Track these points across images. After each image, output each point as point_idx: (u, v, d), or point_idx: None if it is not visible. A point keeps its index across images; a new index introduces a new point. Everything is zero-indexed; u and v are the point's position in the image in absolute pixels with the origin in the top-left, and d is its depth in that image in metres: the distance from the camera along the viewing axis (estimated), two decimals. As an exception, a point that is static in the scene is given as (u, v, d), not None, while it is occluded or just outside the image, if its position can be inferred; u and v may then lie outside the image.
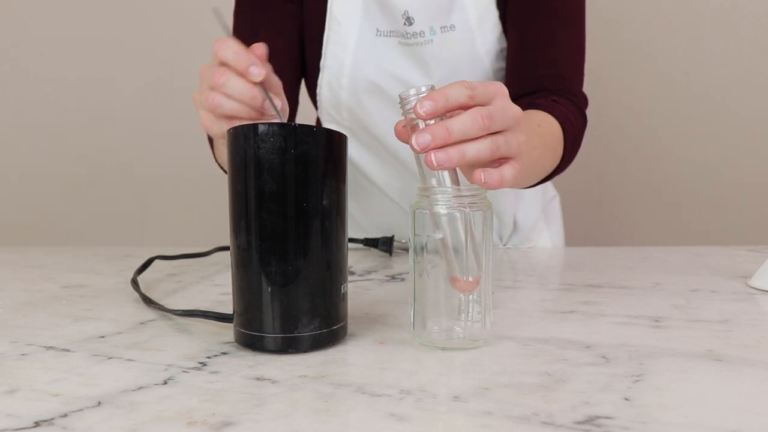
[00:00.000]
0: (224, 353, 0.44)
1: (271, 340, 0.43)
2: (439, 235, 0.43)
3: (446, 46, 0.81)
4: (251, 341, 0.44)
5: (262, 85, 0.51)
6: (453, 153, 0.43)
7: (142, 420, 0.33)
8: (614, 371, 0.39)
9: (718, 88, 1.47)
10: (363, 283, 0.68)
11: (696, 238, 1.51)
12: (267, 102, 0.52)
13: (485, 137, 0.44)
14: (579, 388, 0.36)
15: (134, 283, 0.62)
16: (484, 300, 0.44)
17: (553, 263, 0.85)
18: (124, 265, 0.82)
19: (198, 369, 0.41)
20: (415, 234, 0.44)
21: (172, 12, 1.66)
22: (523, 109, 0.66)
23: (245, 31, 0.88)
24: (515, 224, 0.97)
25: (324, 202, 0.43)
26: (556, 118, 0.71)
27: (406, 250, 0.83)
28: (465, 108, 0.44)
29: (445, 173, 0.45)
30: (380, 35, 0.83)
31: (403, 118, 0.46)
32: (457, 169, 0.46)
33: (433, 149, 0.42)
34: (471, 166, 0.46)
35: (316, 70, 0.87)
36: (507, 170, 0.46)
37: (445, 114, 0.44)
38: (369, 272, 0.74)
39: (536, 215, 0.99)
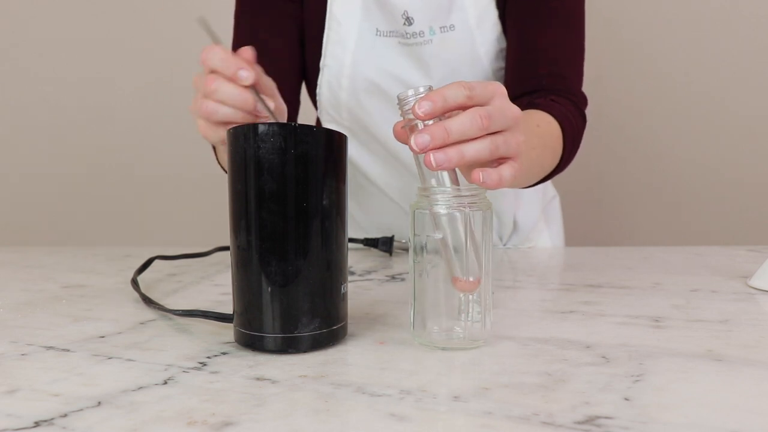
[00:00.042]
0: (224, 353, 0.44)
1: (271, 340, 0.43)
2: (439, 235, 0.43)
3: (446, 46, 0.81)
4: (251, 341, 0.44)
5: (253, 87, 0.52)
6: (452, 153, 0.43)
7: (142, 420, 0.33)
8: (614, 371, 0.39)
9: (718, 88, 1.47)
10: (363, 283, 0.68)
11: (696, 238, 1.51)
12: (259, 104, 0.52)
13: (484, 137, 0.44)
14: (579, 388, 0.36)
15: (134, 283, 0.62)
16: (484, 300, 0.44)
17: (553, 263, 0.85)
18: (124, 265, 0.82)
19: (198, 369, 0.41)
20: (415, 234, 0.44)
21: (172, 12, 1.66)
22: (523, 108, 0.66)
23: (246, 31, 0.88)
24: (515, 224, 0.97)
25: (324, 202, 0.43)
26: (556, 117, 0.71)
27: (406, 250, 0.83)
28: (463, 108, 0.44)
29: (445, 173, 0.45)
30: (380, 35, 0.83)
31: (402, 118, 0.46)
32: (456, 169, 0.46)
33: (432, 150, 0.42)
34: (470, 166, 0.46)
35: (315, 70, 0.87)
36: (506, 170, 0.46)
37: (443, 114, 0.44)
38: (369, 272, 0.74)
39: (536, 215, 0.99)
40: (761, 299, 0.58)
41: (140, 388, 0.37)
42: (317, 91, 0.88)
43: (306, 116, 0.94)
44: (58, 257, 0.90)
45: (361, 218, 0.98)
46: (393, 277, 0.71)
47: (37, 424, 0.33)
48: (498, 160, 0.47)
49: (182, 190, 1.73)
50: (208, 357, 0.43)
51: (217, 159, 0.77)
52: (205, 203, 1.68)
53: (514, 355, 0.43)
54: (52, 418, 0.33)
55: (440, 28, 0.81)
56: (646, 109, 1.52)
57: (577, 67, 0.81)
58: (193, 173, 1.69)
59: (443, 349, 0.44)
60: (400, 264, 0.80)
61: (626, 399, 0.35)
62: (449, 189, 0.44)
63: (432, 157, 0.42)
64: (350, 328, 0.48)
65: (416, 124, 0.45)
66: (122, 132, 1.73)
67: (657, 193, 1.55)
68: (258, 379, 0.39)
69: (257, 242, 0.42)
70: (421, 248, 0.44)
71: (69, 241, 1.77)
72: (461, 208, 0.43)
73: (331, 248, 0.44)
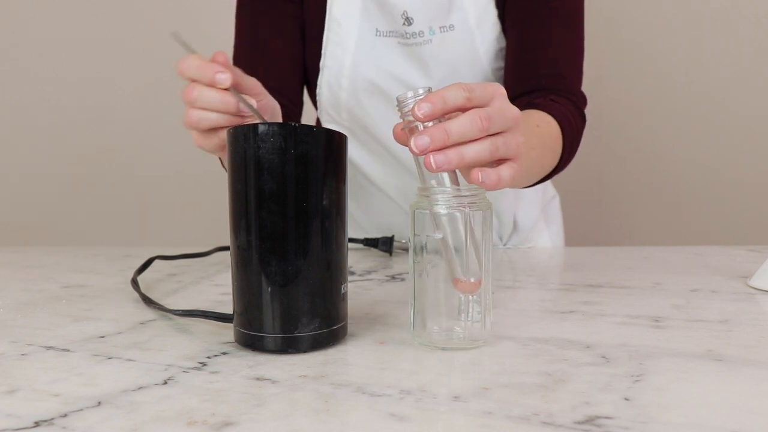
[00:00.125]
0: (224, 353, 0.44)
1: (271, 340, 0.43)
2: (439, 235, 0.43)
3: (445, 46, 0.81)
4: (251, 341, 0.44)
5: (233, 89, 0.52)
6: (452, 155, 0.43)
7: (142, 420, 0.33)
8: (614, 371, 0.39)
9: (718, 88, 1.47)
10: (363, 283, 0.68)
11: (696, 238, 1.51)
12: (242, 104, 0.52)
13: (484, 139, 0.44)
14: (579, 388, 0.36)
15: (134, 283, 0.62)
16: (484, 300, 0.44)
17: (553, 263, 0.85)
18: (124, 265, 0.82)
19: (198, 369, 0.41)
20: (415, 234, 0.44)
21: (172, 12, 1.66)
22: (522, 108, 0.66)
23: (246, 31, 0.88)
24: (515, 224, 0.97)
25: (324, 202, 0.43)
26: (555, 117, 0.71)
27: (406, 250, 0.83)
28: (463, 110, 0.44)
29: (445, 174, 0.45)
30: (380, 35, 0.83)
31: (402, 120, 0.46)
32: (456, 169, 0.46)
33: (431, 151, 0.42)
34: (469, 167, 0.46)
35: (315, 71, 0.87)
36: (505, 171, 0.46)
37: (443, 116, 0.44)
38: (369, 272, 0.74)
39: (536, 215, 0.99)
40: (761, 299, 0.58)
41: (140, 388, 0.37)
42: (317, 91, 0.88)
43: (306, 116, 0.94)
44: (58, 257, 0.90)
45: (361, 218, 0.98)
46: (393, 277, 0.71)
47: (37, 424, 0.33)
48: (498, 161, 0.47)
49: (182, 190, 1.73)
50: (208, 357, 0.43)
51: (224, 166, 0.77)
52: (205, 203, 1.68)
53: (514, 355, 0.43)
54: (52, 418, 0.33)
55: (440, 28, 0.81)
56: (646, 109, 1.52)
57: (577, 66, 0.81)
58: (193, 173, 1.69)
59: (443, 349, 0.44)
60: (400, 264, 0.80)
61: (626, 399, 0.35)
62: (449, 189, 0.44)
63: (432, 158, 0.42)
64: (350, 328, 0.48)
65: (416, 126, 0.45)
66: (122, 132, 1.73)
67: (657, 193, 1.55)
68: (258, 379, 0.39)
69: (257, 242, 0.42)
70: (421, 248, 0.44)
71: (69, 241, 1.77)
72: (461, 208, 0.43)
73: (331, 248, 0.44)
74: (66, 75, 1.72)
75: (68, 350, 0.45)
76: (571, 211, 1.17)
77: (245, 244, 0.43)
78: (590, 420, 0.32)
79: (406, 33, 0.82)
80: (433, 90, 0.44)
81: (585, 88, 0.82)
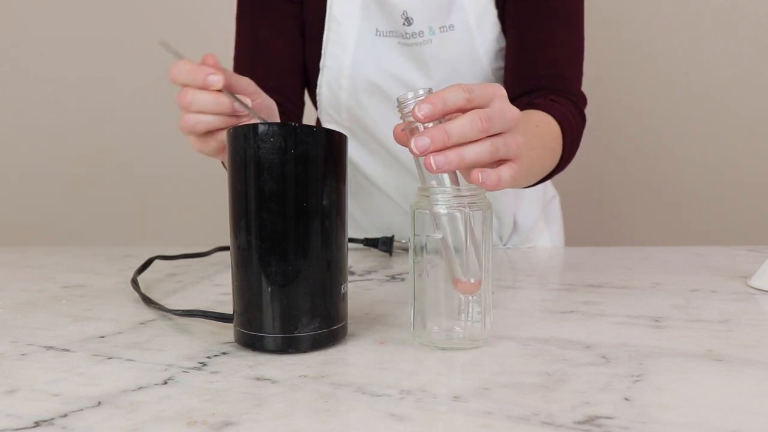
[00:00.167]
0: (224, 353, 0.44)
1: (271, 340, 0.43)
2: (439, 235, 0.43)
3: (445, 46, 0.81)
4: (251, 341, 0.44)
5: (226, 90, 0.52)
6: (452, 156, 0.43)
7: (142, 420, 0.33)
8: (614, 371, 0.39)
9: (718, 88, 1.47)
10: (363, 283, 0.68)
11: (696, 238, 1.51)
12: (236, 104, 0.53)
13: (484, 140, 0.44)
14: (579, 388, 0.36)
15: (134, 283, 0.62)
16: (484, 300, 0.44)
17: (553, 263, 0.85)
18: (124, 265, 0.82)
19: (198, 369, 0.41)
20: (415, 234, 0.44)
21: (172, 12, 1.66)
22: (522, 108, 0.66)
23: (246, 31, 0.88)
24: (515, 224, 0.97)
25: (324, 202, 0.43)
26: (555, 117, 0.71)
27: (406, 250, 0.83)
28: (463, 111, 0.44)
29: (445, 174, 0.45)
30: (380, 35, 0.83)
31: (402, 121, 0.46)
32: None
33: (432, 152, 0.42)
34: (469, 168, 0.46)
35: (315, 71, 0.87)
36: (505, 171, 0.46)
37: (443, 117, 0.44)
38: (369, 272, 0.74)
39: (536, 215, 0.99)
40: (761, 299, 0.58)
41: (140, 388, 0.37)
42: (317, 91, 0.88)
43: (306, 116, 0.94)
44: (58, 257, 0.90)
45: (361, 218, 0.98)
46: (393, 277, 0.71)
47: (37, 424, 0.33)
48: (498, 161, 0.47)
49: (182, 190, 1.73)
50: (208, 357, 0.43)
51: (225, 168, 0.77)
52: (205, 203, 1.68)
53: (514, 355, 0.43)
54: (52, 418, 0.33)
55: (440, 28, 0.81)
56: (646, 109, 1.52)
57: (577, 66, 0.81)
58: (193, 173, 1.69)
59: (443, 349, 0.44)
60: (400, 264, 0.80)
61: (626, 399, 0.35)
62: (449, 189, 0.44)
63: (432, 159, 0.42)
64: (350, 328, 0.48)
65: (416, 127, 0.45)
66: (122, 132, 1.73)
67: (657, 193, 1.55)
68: (258, 379, 0.39)
69: (257, 242, 0.42)
70: (421, 248, 0.44)
71: (69, 241, 1.77)
72: (461, 208, 0.43)
73: (331, 248, 0.44)
74: (66, 75, 1.72)
75: (68, 350, 0.45)
76: (571, 211, 1.17)
77: (245, 244, 0.43)
78: (590, 420, 0.32)
79: (406, 33, 0.82)
80: (433, 91, 0.44)
81: (585, 88, 0.82)
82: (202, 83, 0.52)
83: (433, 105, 0.43)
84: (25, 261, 0.87)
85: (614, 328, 0.49)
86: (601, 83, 1.47)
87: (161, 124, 1.70)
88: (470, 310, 0.44)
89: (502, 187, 0.46)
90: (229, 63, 0.88)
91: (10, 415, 0.34)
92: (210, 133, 0.55)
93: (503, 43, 0.83)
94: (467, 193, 0.43)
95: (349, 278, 0.64)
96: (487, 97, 0.45)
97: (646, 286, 0.64)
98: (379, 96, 0.84)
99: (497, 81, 0.85)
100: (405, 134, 0.46)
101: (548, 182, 1.00)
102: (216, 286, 0.68)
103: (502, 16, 0.82)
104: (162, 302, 0.58)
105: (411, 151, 0.43)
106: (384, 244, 0.87)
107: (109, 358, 0.43)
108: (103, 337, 0.49)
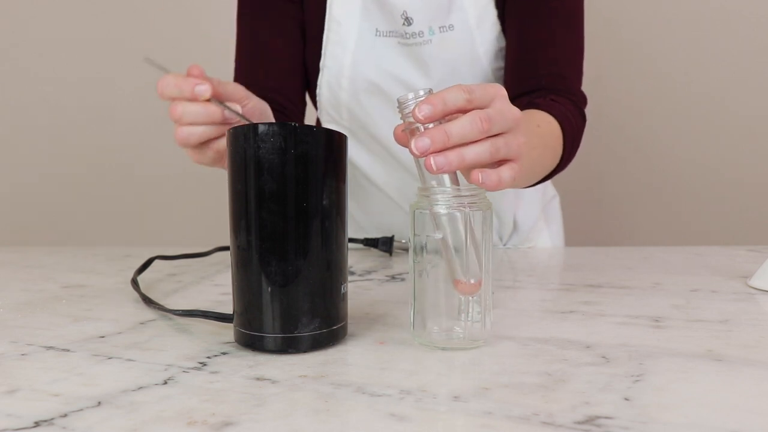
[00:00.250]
0: (224, 353, 0.44)
1: (271, 340, 0.43)
2: (439, 235, 0.43)
3: (445, 46, 0.81)
4: (251, 341, 0.44)
5: (215, 99, 0.53)
6: (452, 157, 0.43)
7: (142, 420, 0.33)
8: (614, 371, 0.39)
9: (718, 88, 1.47)
10: (363, 283, 0.68)
11: (696, 238, 1.51)
12: (226, 111, 0.53)
13: (484, 140, 0.44)
14: (579, 388, 0.36)
15: (134, 283, 0.62)
16: (484, 300, 0.44)
17: (553, 263, 0.85)
18: (124, 265, 0.82)
19: (198, 369, 0.41)
20: (415, 234, 0.44)
21: (172, 12, 1.66)
22: (522, 108, 0.66)
23: (246, 32, 0.88)
24: (515, 224, 0.97)
25: (324, 202, 0.43)
26: (556, 117, 0.71)
27: (406, 250, 0.83)
28: (463, 111, 0.44)
29: (445, 174, 0.45)
30: (379, 35, 0.83)
31: (402, 121, 0.46)
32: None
33: (432, 153, 0.42)
34: (470, 168, 0.46)
35: (315, 71, 0.87)
36: (505, 172, 0.46)
37: (443, 118, 0.44)
38: (369, 272, 0.74)
39: (536, 215, 0.99)
40: (761, 299, 0.58)
41: (140, 388, 0.37)
42: (317, 91, 0.88)
43: (306, 116, 0.94)
44: (58, 257, 0.90)
45: (361, 218, 0.98)
46: (393, 277, 0.71)
47: (37, 424, 0.33)
48: (498, 161, 0.47)
49: (182, 190, 1.73)
50: (208, 357, 0.43)
51: None
52: (205, 203, 1.68)
53: (514, 355, 0.43)
54: (52, 418, 0.33)
55: (439, 28, 0.81)
56: (646, 109, 1.52)
57: (577, 66, 0.81)
58: (193, 173, 1.68)
59: (443, 349, 0.44)
60: (400, 264, 0.80)
61: (626, 399, 0.35)
62: (449, 189, 0.44)
63: (432, 160, 0.42)
64: (350, 328, 0.48)
65: (416, 128, 0.45)
66: (122, 132, 1.73)
67: (657, 193, 1.55)
68: (258, 379, 0.39)
69: (257, 242, 0.42)
70: (421, 248, 0.44)
71: (69, 241, 1.77)
72: (461, 208, 0.43)
73: (331, 248, 0.44)
74: (66, 75, 1.72)
75: (68, 350, 0.45)
76: (571, 211, 1.17)
77: (245, 244, 0.43)
78: (590, 420, 0.32)
79: (406, 33, 0.82)
80: (433, 91, 0.44)
81: (585, 88, 0.82)
82: (191, 95, 0.52)
83: (434, 106, 0.43)
84: (25, 261, 0.87)
85: (614, 328, 0.49)
86: (601, 83, 1.47)
87: (161, 124, 1.69)
88: (470, 310, 0.44)
89: (502, 188, 0.46)
90: (229, 63, 0.89)
91: (10, 415, 0.34)
92: (205, 143, 0.56)
93: (503, 43, 0.83)
94: (467, 193, 0.43)
95: (349, 278, 0.64)
96: (488, 98, 0.45)
97: (646, 286, 0.64)
98: (379, 96, 0.84)
99: (497, 81, 0.85)
100: (405, 135, 0.46)
101: (548, 182, 1.00)
102: (216, 286, 0.68)
103: (502, 16, 0.82)
104: (162, 302, 0.58)
105: (411, 151, 0.43)
106: (384, 244, 0.87)
107: (109, 358, 0.43)
108: (103, 337, 0.49)
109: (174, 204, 1.75)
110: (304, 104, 0.92)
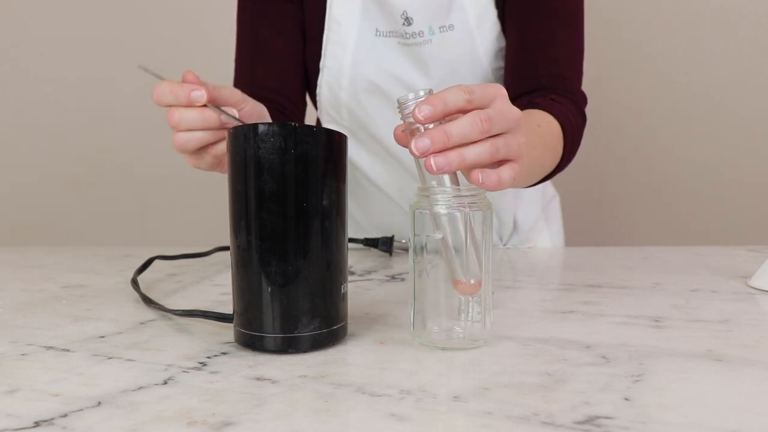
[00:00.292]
0: (224, 353, 0.44)
1: (271, 340, 0.43)
2: (439, 235, 0.43)
3: (445, 46, 0.81)
4: (251, 341, 0.44)
5: (211, 104, 0.53)
6: (452, 157, 0.43)
7: (142, 420, 0.33)
8: (614, 371, 0.39)
9: (718, 88, 1.47)
10: (363, 283, 0.68)
11: (696, 238, 1.51)
12: (223, 116, 0.53)
13: (485, 140, 0.44)
14: (579, 388, 0.36)
15: (134, 283, 0.62)
16: (484, 300, 0.44)
17: (553, 263, 0.85)
18: (124, 265, 0.82)
19: (198, 369, 0.41)
20: (415, 234, 0.44)
21: (172, 12, 1.66)
22: (522, 108, 0.66)
23: (246, 33, 0.88)
24: (515, 224, 0.97)
25: (324, 202, 0.43)
26: (556, 117, 0.71)
27: (406, 250, 0.83)
28: (464, 112, 0.44)
29: (445, 175, 0.45)
30: (379, 35, 0.83)
31: (402, 122, 0.46)
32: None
33: (432, 153, 0.42)
34: (470, 168, 0.46)
35: (315, 71, 0.87)
36: (505, 172, 0.46)
37: (443, 118, 0.44)
38: (369, 272, 0.74)
39: (536, 215, 0.99)
40: (761, 299, 0.58)
41: (140, 388, 0.37)
42: (317, 91, 0.88)
43: (306, 116, 0.94)
44: (58, 257, 0.90)
45: (361, 218, 0.98)
46: (393, 277, 0.71)
47: (37, 424, 0.33)
48: (499, 162, 0.47)
49: (182, 190, 1.73)
50: (208, 357, 0.43)
51: None
52: (205, 203, 1.68)
53: (514, 355, 0.43)
54: (52, 418, 0.33)
55: (439, 28, 0.81)
56: (646, 109, 1.52)
57: (577, 66, 0.81)
58: (193, 173, 1.67)
59: (443, 349, 0.44)
60: (400, 264, 0.80)
61: (626, 399, 0.35)
62: (449, 189, 0.44)
63: (433, 160, 0.42)
64: (350, 328, 0.48)
65: (417, 128, 0.45)
66: (122, 132, 1.73)
67: (657, 193, 1.55)
68: (258, 379, 0.39)
69: (257, 242, 0.42)
70: (421, 248, 0.44)
71: (69, 241, 1.77)
72: (461, 208, 0.43)
73: (331, 248, 0.44)
74: (66, 75, 1.72)
75: (68, 350, 0.45)
76: (571, 211, 1.17)
77: (245, 244, 0.43)
78: (590, 420, 0.32)
79: (406, 33, 0.82)
80: (433, 91, 0.44)
81: (585, 88, 0.82)
82: (187, 100, 0.52)
83: (434, 106, 0.43)
84: (25, 261, 0.87)
85: (614, 328, 0.49)
86: (601, 83, 1.47)
87: (161, 124, 1.69)
88: (470, 310, 0.44)
89: (502, 188, 0.46)
90: (229, 63, 0.89)
91: (10, 415, 0.34)
92: (203, 148, 0.56)
93: (503, 43, 0.83)
94: (467, 193, 0.43)
95: (349, 278, 0.64)
96: (488, 98, 0.45)
97: (646, 286, 0.64)
98: (379, 96, 0.84)
99: (497, 81, 0.85)
100: (405, 135, 0.46)
101: (548, 182, 1.00)
102: (216, 286, 0.68)
103: (502, 16, 0.82)
104: (162, 302, 0.58)
105: (411, 152, 0.43)
106: (384, 244, 0.87)
107: (109, 358, 0.43)
108: (103, 337, 0.49)
109: (174, 204, 1.75)
110: (304, 104, 0.92)
